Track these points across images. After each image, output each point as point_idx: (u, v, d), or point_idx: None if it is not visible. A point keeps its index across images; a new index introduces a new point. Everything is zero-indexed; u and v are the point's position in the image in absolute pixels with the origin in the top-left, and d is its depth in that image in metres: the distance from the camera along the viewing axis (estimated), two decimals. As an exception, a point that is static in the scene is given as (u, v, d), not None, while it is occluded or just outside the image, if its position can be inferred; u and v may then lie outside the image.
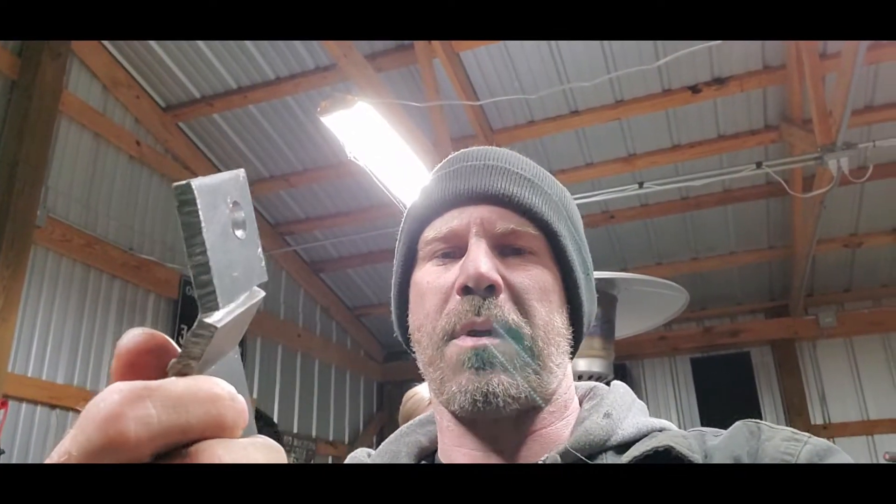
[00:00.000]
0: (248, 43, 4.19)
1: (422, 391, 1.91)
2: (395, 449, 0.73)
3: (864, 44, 2.74)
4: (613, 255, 5.62)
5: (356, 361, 6.63)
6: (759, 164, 3.58)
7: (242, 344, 5.15)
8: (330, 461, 5.83)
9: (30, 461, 3.50)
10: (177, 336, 4.55)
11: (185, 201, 0.32)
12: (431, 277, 0.67)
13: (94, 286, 4.07)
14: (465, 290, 0.63)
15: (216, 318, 0.31)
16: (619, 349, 2.78)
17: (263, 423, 5.20)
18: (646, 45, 3.96)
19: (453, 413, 0.66)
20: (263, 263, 0.36)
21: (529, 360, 0.62)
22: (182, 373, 0.31)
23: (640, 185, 3.75)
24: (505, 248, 0.66)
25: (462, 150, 0.74)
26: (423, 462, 0.72)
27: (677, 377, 6.06)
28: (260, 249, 0.36)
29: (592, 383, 0.74)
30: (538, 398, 0.64)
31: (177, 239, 4.76)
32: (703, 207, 5.10)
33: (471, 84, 4.25)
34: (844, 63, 3.04)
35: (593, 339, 2.50)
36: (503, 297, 0.63)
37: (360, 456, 0.75)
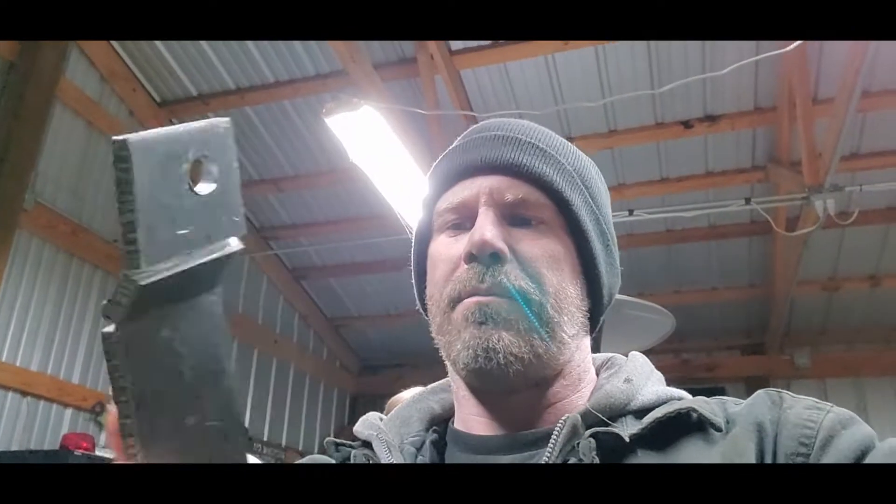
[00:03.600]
0: (249, 43, 4.21)
1: (408, 396, 1.89)
2: (406, 414, 0.73)
3: (859, 89, 2.82)
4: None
5: (331, 372, 6.59)
6: (748, 200, 3.65)
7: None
8: (298, 470, 5.75)
9: (-3, 447, 3.43)
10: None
11: (120, 157, 0.31)
12: (443, 248, 0.67)
13: (75, 275, 4.02)
14: (471, 258, 0.62)
15: (140, 274, 0.32)
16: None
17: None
18: (643, 76, 4.03)
19: (465, 378, 0.65)
20: (239, 217, 0.36)
21: (537, 326, 0.61)
22: (109, 317, 0.32)
23: (631, 212, 3.80)
24: (515, 219, 0.65)
25: (482, 122, 0.74)
26: (434, 429, 0.71)
27: (651, 408, 6.09)
28: (239, 203, 0.36)
29: (609, 354, 0.73)
30: (546, 366, 0.63)
31: (162, 234, 4.73)
32: (688, 241, 5.16)
33: (469, 103, 4.29)
34: (838, 106, 3.12)
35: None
36: (510, 265, 0.62)
37: (371, 419, 0.73)
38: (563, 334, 0.63)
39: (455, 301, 0.63)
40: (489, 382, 0.63)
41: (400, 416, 0.73)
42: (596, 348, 2.34)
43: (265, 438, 5.56)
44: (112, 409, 0.34)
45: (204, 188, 0.34)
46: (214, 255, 0.35)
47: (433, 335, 0.68)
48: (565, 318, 0.63)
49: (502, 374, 0.60)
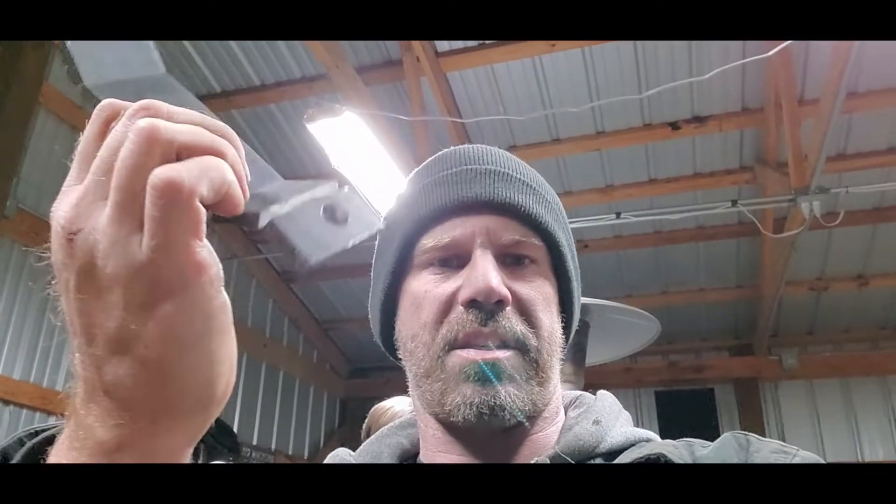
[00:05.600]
0: (234, 47, 4.18)
1: (396, 406, 1.83)
2: (376, 450, 0.72)
3: (844, 90, 2.82)
4: (584, 284, 5.61)
5: (321, 376, 6.56)
6: (734, 202, 3.65)
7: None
8: (287, 476, 5.73)
9: (-21, 457, 3.38)
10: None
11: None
12: (430, 286, 0.65)
13: (59, 282, 3.98)
14: (472, 304, 0.61)
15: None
16: (585, 378, 2.77)
17: (222, 433, 5.10)
18: (630, 78, 4.03)
19: (450, 423, 0.64)
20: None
21: (534, 372, 0.62)
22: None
23: (618, 214, 3.80)
24: (507, 258, 0.65)
25: (454, 149, 0.72)
26: (404, 465, 0.71)
27: (641, 410, 6.09)
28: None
29: (578, 392, 0.73)
30: (538, 410, 0.64)
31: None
32: (676, 242, 5.17)
33: (456, 106, 4.27)
34: (823, 108, 3.13)
35: (565, 365, 2.49)
36: (510, 309, 0.62)
37: (341, 454, 0.73)
38: (552, 374, 0.65)
39: (451, 344, 0.62)
40: (480, 426, 0.62)
41: (370, 452, 0.72)
42: (582, 356, 2.29)
43: (255, 442, 5.53)
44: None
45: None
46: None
47: (410, 375, 0.67)
48: (554, 360, 0.65)
49: (503, 424, 0.61)
